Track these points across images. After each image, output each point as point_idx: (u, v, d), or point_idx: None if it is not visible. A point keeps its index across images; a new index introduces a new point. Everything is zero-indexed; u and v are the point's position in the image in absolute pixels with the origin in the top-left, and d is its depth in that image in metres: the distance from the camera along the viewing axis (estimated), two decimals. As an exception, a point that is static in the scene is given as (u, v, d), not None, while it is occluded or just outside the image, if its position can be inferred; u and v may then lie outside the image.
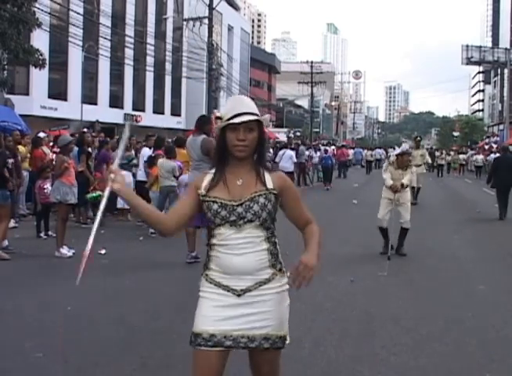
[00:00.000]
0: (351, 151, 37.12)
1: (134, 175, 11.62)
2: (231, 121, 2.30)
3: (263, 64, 63.26)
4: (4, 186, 7.60)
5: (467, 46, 71.14)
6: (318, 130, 73.04)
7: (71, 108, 28.90)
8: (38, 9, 19.13)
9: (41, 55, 18.51)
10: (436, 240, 9.82)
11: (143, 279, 6.56)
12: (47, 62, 19.51)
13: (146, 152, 11.22)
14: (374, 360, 4.18)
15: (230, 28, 49.27)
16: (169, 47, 36.46)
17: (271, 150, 23.93)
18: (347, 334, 4.78)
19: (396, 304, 5.74)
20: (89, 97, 31.43)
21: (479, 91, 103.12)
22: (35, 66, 18.91)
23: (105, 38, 28.68)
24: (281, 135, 40.79)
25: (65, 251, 7.68)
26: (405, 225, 8.19)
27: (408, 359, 4.21)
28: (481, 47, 73.24)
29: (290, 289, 2.42)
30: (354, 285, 6.45)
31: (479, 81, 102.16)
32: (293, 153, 18.42)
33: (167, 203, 9.63)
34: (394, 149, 30.26)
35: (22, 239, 8.76)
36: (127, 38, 32.79)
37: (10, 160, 8.08)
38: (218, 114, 2.44)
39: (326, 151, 22.85)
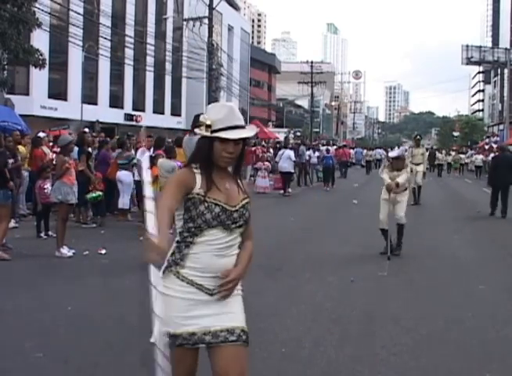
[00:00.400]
0: (352, 151, 37.12)
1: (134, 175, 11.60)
2: (227, 136, 2.31)
3: (263, 64, 63.28)
4: (5, 186, 7.60)
5: (467, 46, 71.14)
6: (318, 130, 73.04)
7: (71, 108, 28.91)
8: (38, 8, 19.13)
9: (41, 55, 18.51)
10: (436, 240, 9.82)
11: (143, 279, 6.55)
12: (47, 62, 19.51)
13: (145, 153, 11.10)
14: (374, 360, 4.18)
15: (230, 28, 49.29)
16: (169, 47, 36.47)
17: (271, 150, 23.97)
18: (347, 334, 4.78)
19: (396, 304, 5.74)
20: (89, 97, 31.42)
21: (479, 91, 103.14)
22: (35, 66, 18.92)
23: (105, 38, 28.67)
24: (281, 135, 40.77)
25: (65, 251, 7.68)
26: (400, 220, 8.21)
27: (408, 359, 4.21)
28: (481, 47, 73.25)
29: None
30: (354, 285, 6.44)
31: (479, 81, 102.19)
32: (291, 152, 18.39)
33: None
34: (392, 149, 30.37)
35: (22, 239, 8.76)
36: (127, 38, 32.79)
37: (10, 161, 8.08)
38: (208, 123, 2.33)
39: (328, 151, 22.71)
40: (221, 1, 27.94)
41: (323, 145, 29.43)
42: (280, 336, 4.62)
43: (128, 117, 36.65)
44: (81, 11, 27.11)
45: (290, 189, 17.74)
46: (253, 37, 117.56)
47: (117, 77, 36.06)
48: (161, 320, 2.34)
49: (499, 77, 75.27)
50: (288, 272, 6.95)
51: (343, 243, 9.12)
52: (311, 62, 57.07)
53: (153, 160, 10.35)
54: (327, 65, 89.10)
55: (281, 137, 36.75)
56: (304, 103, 68.19)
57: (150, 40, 32.94)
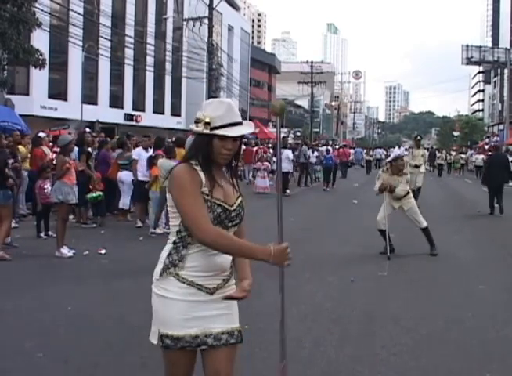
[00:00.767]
0: (351, 151, 37.07)
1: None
2: (229, 134, 2.29)
3: (263, 64, 63.26)
4: (5, 186, 7.60)
5: (467, 46, 71.18)
6: (318, 130, 73.09)
7: (71, 108, 28.91)
8: (38, 9, 19.14)
9: (41, 55, 18.52)
10: (436, 240, 9.80)
11: (143, 279, 6.55)
12: (47, 62, 19.52)
13: (140, 152, 10.91)
14: (374, 360, 4.18)
15: (230, 28, 49.29)
16: (169, 47, 36.48)
17: (271, 150, 23.96)
18: (347, 334, 4.78)
19: (396, 304, 5.74)
20: (89, 97, 31.42)
21: (479, 91, 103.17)
22: (35, 66, 18.92)
23: (105, 38, 28.68)
24: (281, 135, 40.75)
25: (65, 251, 7.69)
26: (421, 225, 8.25)
27: (408, 359, 4.21)
28: (481, 47, 73.30)
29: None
30: (354, 285, 6.44)
31: (479, 81, 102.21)
32: (290, 152, 18.32)
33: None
34: (393, 149, 30.28)
35: (22, 239, 8.76)
36: (127, 38, 32.81)
37: (10, 161, 8.07)
38: (207, 120, 2.30)
39: (328, 151, 22.59)
40: (221, 1, 27.95)
41: (323, 145, 29.35)
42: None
43: (128, 117, 36.65)
44: (81, 11, 27.13)
45: (288, 191, 17.60)
46: (253, 37, 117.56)
47: (117, 77, 36.06)
48: (161, 322, 2.35)
49: (499, 77, 75.29)
50: (288, 273, 6.91)
51: (343, 243, 9.12)
52: (311, 62, 57.11)
53: (153, 160, 10.38)
54: (327, 65, 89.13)
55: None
56: (304, 103, 68.22)
57: (150, 40, 32.96)
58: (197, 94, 39.72)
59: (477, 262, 8.06)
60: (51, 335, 4.61)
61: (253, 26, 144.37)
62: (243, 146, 10.26)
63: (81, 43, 26.28)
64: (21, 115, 16.51)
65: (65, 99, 31.33)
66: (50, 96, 30.59)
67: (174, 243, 2.39)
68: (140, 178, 10.52)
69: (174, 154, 9.65)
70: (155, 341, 2.37)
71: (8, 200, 7.70)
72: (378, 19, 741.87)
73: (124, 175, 11.18)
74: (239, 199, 2.45)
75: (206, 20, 26.09)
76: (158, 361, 4.12)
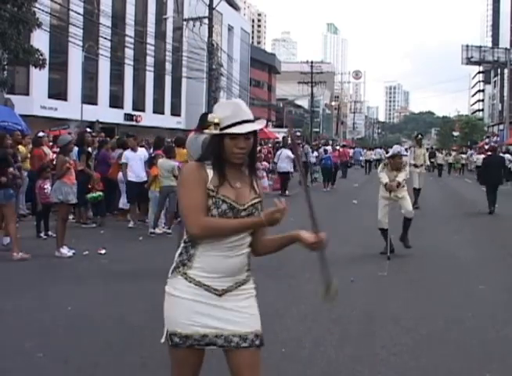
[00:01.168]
0: (351, 151, 37.06)
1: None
2: (236, 131, 2.29)
3: (263, 64, 63.24)
4: (6, 185, 7.61)
5: (467, 46, 71.23)
6: (318, 130, 73.06)
7: (71, 108, 28.91)
8: (38, 9, 19.14)
9: (41, 55, 18.52)
10: (436, 240, 9.82)
11: (143, 279, 6.56)
12: (47, 62, 19.51)
13: (128, 154, 10.71)
14: (374, 360, 4.18)
15: (230, 28, 49.28)
16: (169, 47, 36.48)
17: (271, 151, 23.96)
18: (347, 334, 4.78)
19: (396, 304, 5.74)
20: (89, 97, 31.41)
21: (479, 91, 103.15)
22: (35, 66, 18.92)
23: (105, 38, 28.68)
24: (281, 135, 40.78)
25: (65, 251, 7.69)
26: (408, 215, 8.21)
27: (408, 359, 4.21)
28: (481, 47, 73.36)
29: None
30: (354, 285, 6.44)
31: (479, 81, 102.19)
32: (289, 152, 18.22)
33: (167, 203, 9.63)
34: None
35: (22, 239, 8.73)
36: (127, 38, 32.80)
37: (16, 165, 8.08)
38: (216, 121, 2.36)
39: (325, 151, 22.49)
40: (221, 1, 27.93)
41: (323, 145, 29.28)
42: (280, 336, 4.62)
43: (128, 117, 36.64)
44: (81, 11, 27.12)
45: (287, 192, 17.49)
46: (253, 37, 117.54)
47: (117, 77, 36.06)
48: (169, 320, 2.35)
49: (499, 77, 75.27)
50: (288, 273, 6.95)
51: (343, 243, 9.11)
52: (311, 62, 57.09)
53: (152, 161, 10.38)
54: (327, 65, 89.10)
55: (281, 137, 36.75)
56: (304, 103, 68.17)
57: (150, 40, 32.95)
58: (197, 94, 39.72)
59: (477, 262, 8.06)
60: (51, 335, 4.61)
61: (253, 26, 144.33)
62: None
63: (81, 43, 26.28)
64: (21, 115, 16.49)
65: (65, 99, 31.32)
66: (50, 96, 30.59)
67: (185, 242, 2.40)
68: (131, 179, 10.49)
69: (173, 154, 9.65)
70: (163, 340, 2.38)
71: (9, 199, 7.71)
72: (378, 19, 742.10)
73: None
74: (256, 200, 2.42)
75: (206, 20, 26.07)
76: (158, 361, 4.13)
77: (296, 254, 8.17)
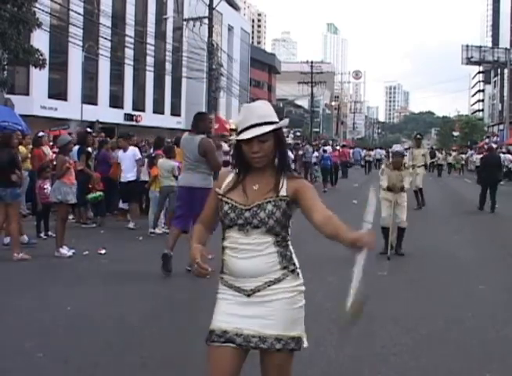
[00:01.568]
0: (350, 151, 36.97)
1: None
2: (240, 138, 2.31)
3: (263, 64, 63.24)
4: (13, 184, 7.62)
5: (467, 46, 71.24)
6: (318, 130, 73.09)
7: (71, 108, 28.91)
8: (38, 9, 19.13)
9: (41, 55, 18.51)
10: (436, 240, 9.82)
11: (143, 279, 6.56)
12: (47, 62, 19.51)
13: (120, 155, 10.81)
14: (374, 360, 4.18)
15: (230, 28, 49.28)
16: (169, 47, 36.46)
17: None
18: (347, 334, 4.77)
19: (396, 304, 5.74)
20: (89, 97, 31.42)
21: (479, 91, 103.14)
22: (35, 66, 18.92)
23: (105, 38, 28.67)
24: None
25: (65, 251, 7.69)
26: (402, 224, 8.22)
27: (408, 359, 4.21)
28: (481, 47, 73.37)
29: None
30: (354, 285, 6.43)
31: (479, 81, 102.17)
32: (290, 153, 18.22)
33: (167, 203, 9.63)
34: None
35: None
36: (127, 38, 32.80)
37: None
38: (233, 126, 2.42)
39: (325, 151, 22.37)
40: (221, 1, 27.93)
41: (323, 145, 29.26)
42: (280, 336, 4.61)
43: (128, 117, 36.64)
44: (81, 11, 27.11)
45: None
46: (253, 38, 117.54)
47: (117, 77, 36.05)
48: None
49: (499, 77, 75.27)
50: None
51: (343, 243, 9.11)
52: (311, 62, 57.09)
53: (152, 161, 10.38)
54: (327, 65, 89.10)
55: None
56: (304, 103, 68.19)
57: (150, 40, 32.94)
58: (197, 94, 39.71)
59: (477, 262, 8.06)
60: (51, 335, 4.61)
61: (253, 26, 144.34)
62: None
63: (81, 43, 26.28)
64: (21, 115, 16.49)
65: (65, 99, 31.32)
66: (50, 96, 30.58)
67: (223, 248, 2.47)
68: (123, 179, 10.49)
69: (173, 154, 9.64)
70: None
71: (16, 198, 7.73)
72: (378, 19, 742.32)
73: (125, 175, 11.17)
74: (265, 200, 2.33)
75: (206, 20, 26.06)
76: (158, 361, 4.13)
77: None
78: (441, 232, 10.93)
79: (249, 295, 2.32)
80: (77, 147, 10.57)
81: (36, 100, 29.10)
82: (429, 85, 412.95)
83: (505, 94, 61.99)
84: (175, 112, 42.18)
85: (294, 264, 2.40)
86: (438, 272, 7.33)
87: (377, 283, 6.64)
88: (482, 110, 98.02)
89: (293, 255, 2.42)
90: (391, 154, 8.58)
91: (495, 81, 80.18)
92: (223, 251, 2.39)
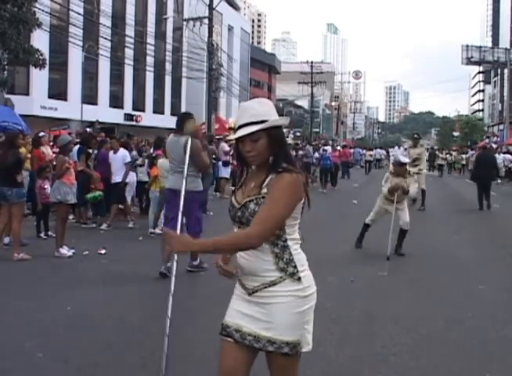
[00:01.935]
0: (351, 151, 36.90)
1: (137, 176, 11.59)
2: (230, 137, 2.39)
3: (263, 64, 63.26)
4: (18, 184, 7.63)
5: (467, 46, 71.22)
6: (318, 130, 73.11)
7: (71, 108, 28.92)
8: (38, 9, 19.14)
9: (41, 55, 18.52)
10: (436, 240, 9.82)
11: (143, 279, 6.56)
12: (47, 62, 19.51)
13: (110, 155, 10.75)
14: (374, 360, 4.18)
15: (230, 28, 49.29)
16: (169, 47, 36.47)
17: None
18: (347, 334, 4.78)
19: (396, 304, 5.74)
20: (89, 97, 31.43)
21: (479, 91, 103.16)
22: (35, 66, 18.92)
23: (105, 38, 28.68)
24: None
25: (65, 251, 7.69)
26: (405, 226, 8.25)
27: (408, 359, 4.21)
28: (481, 47, 73.35)
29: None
30: (354, 285, 6.44)
31: (479, 81, 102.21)
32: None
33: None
34: (394, 148, 30.17)
35: (22, 239, 8.75)
36: (127, 38, 32.81)
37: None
38: (231, 125, 2.44)
39: (324, 151, 22.14)
40: (221, 1, 27.93)
41: (324, 145, 29.15)
42: (280, 336, 4.61)
43: (128, 117, 36.65)
44: (81, 11, 27.12)
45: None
46: (253, 38, 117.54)
47: (117, 77, 36.06)
48: None
49: (499, 77, 75.30)
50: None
51: (343, 243, 9.12)
52: (311, 62, 57.10)
53: (152, 161, 10.38)
54: (327, 65, 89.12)
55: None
56: (304, 103, 68.21)
57: (150, 40, 32.95)
58: (197, 94, 39.72)
59: (477, 262, 8.06)
60: (51, 335, 4.61)
61: (253, 26, 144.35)
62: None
63: (81, 43, 26.28)
64: (21, 115, 16.49)
65: (65, 99, 31.33)
66: (50, 96, 30.59)
67: None
68: (113, 181, 10.43)
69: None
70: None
71: (21, 197, 7.74)
72: (378, 19, 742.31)
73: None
74: (248, 199, 2.33)
75: (206, 20, 26.07)
76: (158, 361, 4.12)
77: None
78: (441, 232, 10.93)
79: (250, 294, 2.36)
80: (77, 147, 10.58)
81: (36, 100, 29.11)
82: (429, 85, 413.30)
83: (505, 94, 62.00)
84: (175, 112, 42.05)
85: (295, 267, 2.33)
86: (438, 272, 7.33)
87: (377, 283, 6.65)
88: (482, 110, 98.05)
89: (296, 258, 2.34)
90: (391, 162, 8.65)
91: (495, 81, 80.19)
92: None
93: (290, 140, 32.32)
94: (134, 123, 36.34)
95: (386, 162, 39.27)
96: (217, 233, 2.38)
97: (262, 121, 2.30)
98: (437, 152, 37.27)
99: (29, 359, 4.07)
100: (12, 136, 8.11)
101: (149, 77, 38.24)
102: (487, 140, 52.28)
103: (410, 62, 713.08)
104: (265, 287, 2.31)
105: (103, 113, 31.40)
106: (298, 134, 47.33)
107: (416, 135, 15.44)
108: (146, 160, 11.45)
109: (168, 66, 37.05)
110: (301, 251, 2.39)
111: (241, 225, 2.36)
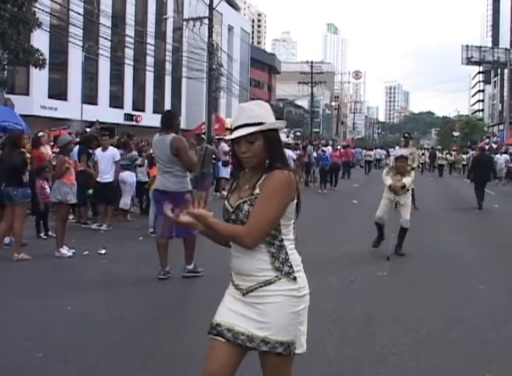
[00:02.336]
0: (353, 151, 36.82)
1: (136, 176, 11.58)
2: (226, 138, 2.38)
3: (263, 64, 63.26)
4: (23, 185, 7.63)
5: (467, 46, 71.18)
6: (318, 130, 73.07)
7: (71, 108, 28.91)
8: (38, 9, 19.14)
9: (41, 55, 18.52)
10: (436, 240, 9.82)
11: (143, 279, 6.56)
12: (47, 62, 19.52)
13: (99, 153, 10.47)
14: (374, 360, 4.18)
15: (230, 28, 49.30)
16: (169, 47, 36.46)
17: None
18: (347, 334, 4.77)
19: (396, 304, 5.74)
20: (89, 97, 31.43)
21: (479, 91, 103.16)
22: (35, 66, 18.93)
23: (105, 38, 28.67)
24: (282, 136, 40.68)
25: (65, 251, 7.69)
26: (405, 224, 8.25)
27: (408, 359, 4.21)
28: (481, 47, 73.32)
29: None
30: (354, 285, 6.44)
31: (479, 81, 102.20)
32: (291, 152, 17.98)
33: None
34: (394, 148, 30.09)
35: (22, 239, 8.75)
36: (127, 38, 32.80)
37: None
38: (228, 125, 2.44)
39: (323, 151, 21.95)
40: (221, 1, 27.92)
41: (324, 145, 29.05)
42: (280, 336, 4.61)
43: (128, 117, 36.65)
44: (81, 11, 27.10)
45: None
46: (253, 38, 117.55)
47: (117, 77, 36.07)
48: None
49: (499, 77, 75.29)
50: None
51: (343, 243, 9.12)
52: (311, 62, 57.09)
53: (152, 161, 10.36)
54: (327, 65, 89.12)
55: (282, 138, 36.66)
56: (304, 103, 68.20)
57: (150, 40, 32.94)
58: (197, 94, 39.74)
59: (477, 262, 8.06)
60: (51, 335, 4.61)
61: (253, 26, 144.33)
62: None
63: (81, 43, 26.27)
64: (21, 115, 16.48)
65: (65, 99, 31.33)
66: (50, 96, 30.60)
67: None
68: (100, 180, 10.26)
69: (174, 154, 9.61)
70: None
71: (26, 198, 7.74)
72: (378, 19, 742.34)
73: (126, 176, 11.15)
74: (241, 201, 2.33)
75: (206, 20, 26.06)
76: (158, 361, 4.13)
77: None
78: (441, 232, 10.93)
79: (244, 295, 2.35)
80: (77, 147, 10.57)
81: (36, 100, 29.11)
82: (429, 85, 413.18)
83: (505, 94, 62.00)
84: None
85: (291, 266, 2.34)
86: (438, 272, 7.33)
87: (377, 283, 6.65)
88: (482, 110, 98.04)
89: (292, 258, 2.36)
90: (393, 158, 8.65)
91: (495, 81, 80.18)
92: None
93: (290, 140, 32.31)
94: (134, 123, 36.33)
95: (386, 162, 39.24)
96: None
97: (259, 123, 2.31)
98: (437, 152, 37.25)
99: (29, 359, 4.07)
100: (16, 136, 8.11)
101: (149, 77, 38.24)
102: (487, 140, 52.34)
103: (410, 62, 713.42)
104: (261, 287, 2.31)
105: (103, 113, 31.39)
106: (298, 134, 47.35)
107: (406, 135, 15.18)
108: (146, 161, 11.44)
109: (168, 66, 37.05)
110: (295, 252, 2.41)
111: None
